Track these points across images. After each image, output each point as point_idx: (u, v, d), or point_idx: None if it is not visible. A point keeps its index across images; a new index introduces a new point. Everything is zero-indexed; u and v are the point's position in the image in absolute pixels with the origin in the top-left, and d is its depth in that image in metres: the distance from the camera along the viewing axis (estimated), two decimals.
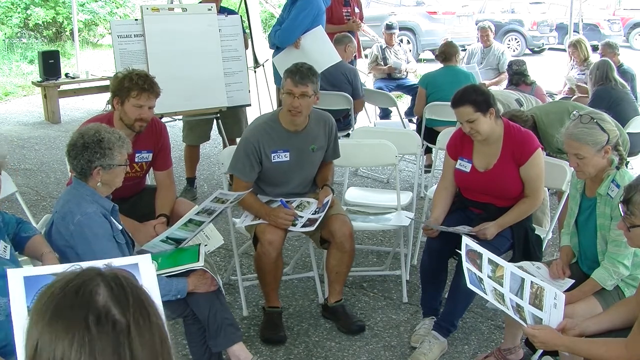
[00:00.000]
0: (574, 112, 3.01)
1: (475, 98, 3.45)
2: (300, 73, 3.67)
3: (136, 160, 3.76)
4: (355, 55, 7.75)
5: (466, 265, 2.77)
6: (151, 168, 3.90)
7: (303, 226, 3.71)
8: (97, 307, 1.08)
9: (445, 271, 3.77)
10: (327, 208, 3.77)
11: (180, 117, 5.99)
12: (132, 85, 3.55)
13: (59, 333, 1.07)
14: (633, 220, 2.36)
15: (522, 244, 3.55)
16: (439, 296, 3.81)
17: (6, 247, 2.64)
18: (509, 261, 3.48)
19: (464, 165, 3.65)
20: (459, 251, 2.86)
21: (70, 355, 1.05)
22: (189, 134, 5.94)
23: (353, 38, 6.77)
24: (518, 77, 6.63)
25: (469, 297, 3.45)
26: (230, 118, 5.79)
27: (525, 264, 3.22)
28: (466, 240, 2.80)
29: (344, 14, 7.36)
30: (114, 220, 2.90)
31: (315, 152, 3.90)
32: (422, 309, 3.85)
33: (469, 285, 2.79)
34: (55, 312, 1.09)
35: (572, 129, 2.92)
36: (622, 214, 2.41)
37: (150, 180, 4.20)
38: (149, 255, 1.57)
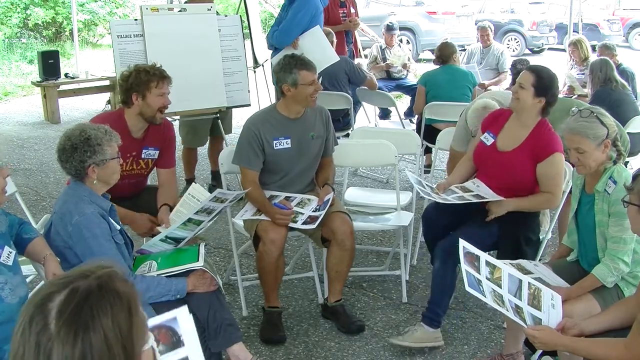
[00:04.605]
0: (573, 109, 3.03)
1: (542, 75, 3.55)
2: (310, 62, 3.83)
3: (143, 156, 3.76)
4: (353, 55, 7.77)
5: (464, 267, 2.76)
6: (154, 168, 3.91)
7: (304, 223, 3.72)
8: (41, 310, 1.20)
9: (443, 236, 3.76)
10: (327, 206, 3.78)
11: (179, 117, 5.98)
12: (151, 76, 3.63)
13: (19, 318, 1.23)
14: (630, 197, 2.37)
15: (509, 245, 3.55)
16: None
17: (10, 252, 2.63)
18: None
19: (488, 139, 3.72)
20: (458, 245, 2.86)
21: (16, 339, 1.20)
22: (194, 137, 5.92)
23: (332, 32, 6.75)
24: None
25: (444, 284, 3.53)
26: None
27: (522, 261, 3.23)
28: (463, 243, 2.80)
29: (341, 15, 7.37)
30: (112, 221, 2.90)
31: (315, 140, 3.94)
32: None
33: (468, 288, 2.78)
34: (26, 301, 1.26)
35: (572, 124, 2.94)
36: (627, 189, 2.42)
37: (149, 181, 4.20)
38: (185, 308, 1.57)
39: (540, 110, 3.57)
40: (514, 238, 3.55)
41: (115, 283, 1.25)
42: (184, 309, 1.57)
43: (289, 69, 3.76)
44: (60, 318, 1.18)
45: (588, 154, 2.89)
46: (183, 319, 1.56)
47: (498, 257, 3.50)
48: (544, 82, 3.53)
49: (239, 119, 6.43)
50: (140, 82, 3.60)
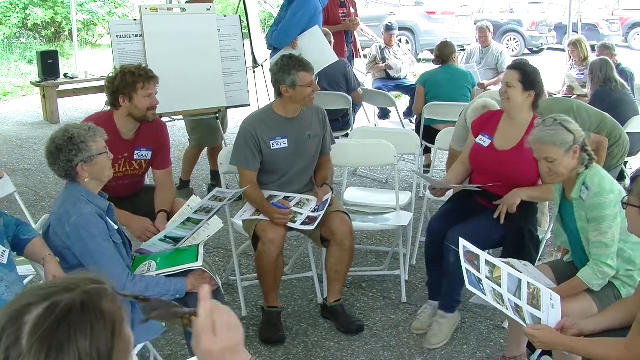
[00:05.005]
0: (537, 120, 3.04)
1: (526, 69, 3.60)
2: (308, 64, 3.82)
3: (135, 157, 3.76)
4: (353, 55, 7.76)
5: (465, 266, 2.77)
6: (150, 168, 3.90)
7: (302, 224, 3.73)
8: (15, 321, 1.11)
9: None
10: (326, 206, 3.79)
11: (179, 117, 5.98)
12: (136, 78, 3.60)
13: None
14: (630, 199, 2.38)
15: (513, 242, 3.56)
16: (443, 277, 3.84)
17: (4, 251, 2.65)
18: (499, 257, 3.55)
19: (484, 141, 3.73)
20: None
21: None
22: (212, 135, 5.87)
23: (330, 32, 6.74)
24: None
25: (461, 274, 3.51)
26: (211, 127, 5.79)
27: (512, 260, 3.24)
28: (463, 242, 2.80)
29: (340, 15, 7.36)
30: (109, 221, 2.89)
31: (312, 140, 3.95)
32: (428, 291, 3.94)
33: (468, 287, 2.78)
34: (2, 308, 1.16)
35: (538, 134, 2.94)
36: (626, 191, 2.43)
37: (148, 181, 4.20)
38: None
39: (531, 104, 3.61)
40: (519, 233, 3.56)
41: (101, 301, 1.16)
42: None
43: (288, 70, 3.76)
44: (34, 334, 1.09)
45: (558, 162, 2.89)
46: None
47: (503, 252, 3.57)
48: (529, 76, 3.57)
49: (238, 119, 6.43)
50: (126, 84, 3.58)
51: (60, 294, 1.13)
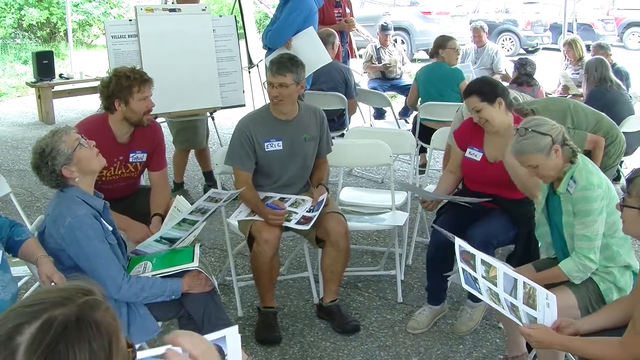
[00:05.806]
0: (512, 129, 3.03)
1: (481, 88, 3.58)
2: (279, 64, 3.76)
3: (130, 160, 3.74)
4: (348, 55, 7.76)
5: (461, 265, 2.77)
6: (145, 169, 3.89)
7: (297, 223, 3.72)
8: (7, 345, 1.03)
9: (451, 261, 3.75)
10: (322, 207, 3.78)
11: (165, 119, 5.95)
12: (132, 81, 3.57)
13: None
14: (628, 200, 2.38)
15: (524, 242, 3.56)
16: (445, 284, 3.84)
17: None
18: (509, 255, 3.63)
19: (475, 155, 3.71)
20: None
21: None
22: (197, 137, 5.86)
23: (335, 33, 6.72)
24: (526, 77, 6.59)
25: (437, 266, 3.60)
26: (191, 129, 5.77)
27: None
28: (459, 242, 2.81)
29: (336, 15, 7.35)
30: (104, 222, 2.88)
31: (308, 142, 3.92)
32: (427, 295, 3.93)
33: (464, 285, 2.78)
34: None
35: (515, 146, 2.95)
36: (623, 192, 2.43)
37: (144, 181, 4.19)
38: (235, 328, 1.55)
39: (505, 109, 3.59)
40: (528, 237, 3.55)
41: (96, 314, 1.10)
42: (234, 329, 1.54)
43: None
44: (30, 357, 1.02)
45: (542, 166, 2.90)
46: (231, 339, 1.54)
47: (514, 249, 3.62)
48: (486, 90, 3.57)
49: (234, 119, 6.42)
50: (121, 88, 3.55)
51: (52, 310, 1.07)
